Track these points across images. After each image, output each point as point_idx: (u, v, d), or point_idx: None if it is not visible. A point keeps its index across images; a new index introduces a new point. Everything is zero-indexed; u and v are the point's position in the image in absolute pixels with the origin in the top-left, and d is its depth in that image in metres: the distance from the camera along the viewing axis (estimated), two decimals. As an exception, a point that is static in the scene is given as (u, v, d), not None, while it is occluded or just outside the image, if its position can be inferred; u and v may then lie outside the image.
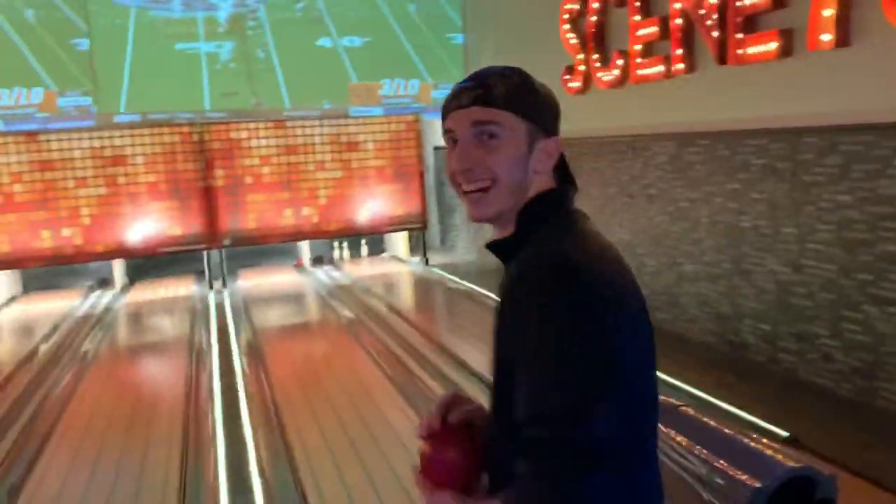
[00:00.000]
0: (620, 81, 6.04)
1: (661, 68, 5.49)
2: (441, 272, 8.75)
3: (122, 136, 8.36)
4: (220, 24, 9.38)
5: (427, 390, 4.85)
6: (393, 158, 9.26)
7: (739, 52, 4.71)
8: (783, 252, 4.57)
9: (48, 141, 8.12)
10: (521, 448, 1.07)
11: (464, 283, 8.03)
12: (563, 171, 1.28)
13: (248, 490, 3.55)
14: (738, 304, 5.00)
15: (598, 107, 6.52)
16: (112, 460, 4.09)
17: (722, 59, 4.88)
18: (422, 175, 9.41)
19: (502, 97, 1.22)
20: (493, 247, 1.26)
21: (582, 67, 6.58)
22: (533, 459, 1.05)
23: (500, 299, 1.19)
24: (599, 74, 6.29)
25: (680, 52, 5.27)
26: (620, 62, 5.97)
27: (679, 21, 5.24)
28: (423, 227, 9.55)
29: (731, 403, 4.19)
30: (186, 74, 9.29)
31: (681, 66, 5.30)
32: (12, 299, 8.86)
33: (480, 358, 5.59)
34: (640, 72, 5.75)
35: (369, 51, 9.81)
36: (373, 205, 9.18)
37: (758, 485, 1.95)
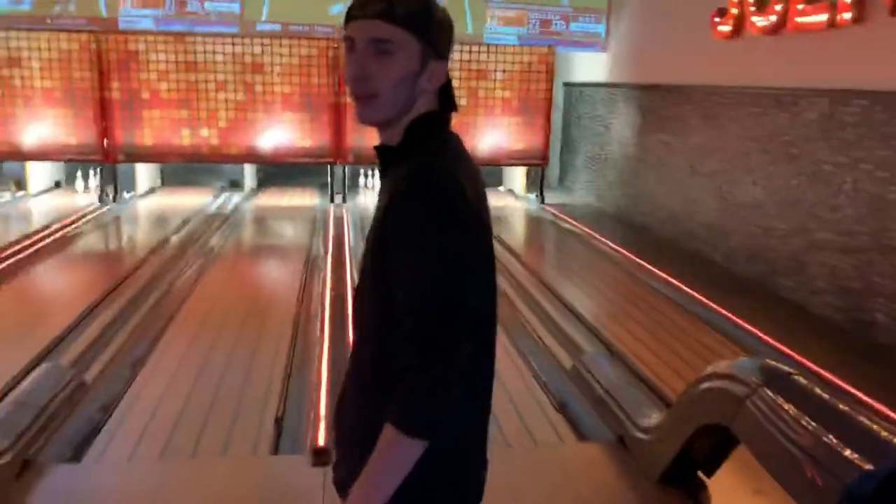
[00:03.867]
0: (776, 28, 5.60)
1: (824, 16, 5.05)
2: (555, 212, 8.63)
3: (261, 45, 8.60)
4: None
5: (532, 330, 4.84)
6: (521, 91, 9.08)
7: (919, 4, 4.26)
8: (934, 230, 4.19)
9: (194, 43, 8.47)
10: (404, 338, 1.21)
11: (578, 225, 7.89)
12: (446, 95, 1.38)
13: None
14: (871, 280, 4.65)
15: (747, 54, 6.10)
16: (225, 349, 4.35)
17: (896, 11, 4.43)
18: (549, 111, 9.20)
19: (403, 16, 1.29)
20: (379, 149, 1.37)
21: (735, 10, 6.14)
22: (417, 345, 1.19)
23: (381, 204, 1.29)
24: (754, 19, 5.86)
25: (848, 0, 4.81)
26: (779, 7, 5.52)
27: (853, -34, 4.77)
28: (544, 164, 9.39)
29: (851, 384, 3.94)
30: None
31: (848, 15, 4.84)
32: (151, 191, 9.46)
33: (587, 301, 5.51)
34: (800, 19, 5.31)
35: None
36: (494, 136, 9.08)
37: (869, 467, 1.83)
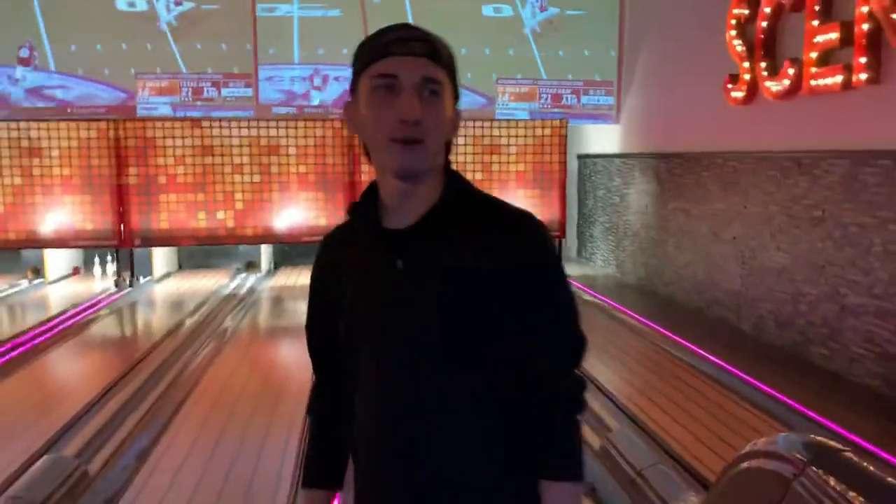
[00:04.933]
0: (791, 92, 5.55)
1: (839, 78, 4.98)
2: (576, 284, 8.46)
3: (277, 128, 8.71)
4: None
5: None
6: (535, 164, 9.07)
7: (937, 61, 4.18)
8: (974, 291, 4.00)
9: (210, 127, 8.59)
10: (549, 389, 1.23)
11: (599, 297, 7.71)
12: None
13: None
14: (912, 345, 4.43)
15: (762, 119, 6.04)
16: (236, 434, 4.18)
17: (914, 70, 4.35)
18: (564, 183, 9.16)
19: (446, 58, 1.24)
20: (440, 209, 1.26)
21: (748, 76, 6.12)
22: (566, 393, 1.24)
23: (472, 264, 1.22)
24: (767, 84, 5.82)
25: (864, 60, 4.75)
26: (792, 71, 5.49)
27: (865, 26, 4.73)
28: (561, 235, 9.29)
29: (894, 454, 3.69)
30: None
31: (864, 75, 4.78)
32: (168, 275, 9.45)
33: (612, 375, 5.30)
34: (814, 82, 5.25)
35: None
36: (512, 210, 9.01)
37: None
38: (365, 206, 1.33)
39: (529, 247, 1.25)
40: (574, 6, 9.23)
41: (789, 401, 4.45)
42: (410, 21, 1.40)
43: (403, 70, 1.19)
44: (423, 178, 1.24)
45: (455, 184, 1.29)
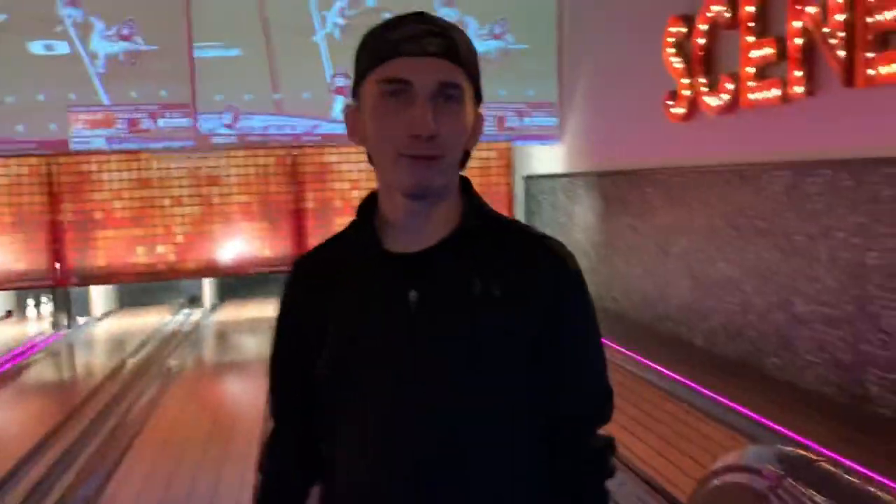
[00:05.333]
0: (730, 107, 5.66)
1: (776, 92, 5.11)
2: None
3: (217, 157, 8.51)
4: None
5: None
6: (482, 186, 9.06)
7: (870, 72, 4.30)
8: (918, 294, 4.10)
9: (147, 159, 8.34)
10: (582, 431, 1.12)
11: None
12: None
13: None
14: (861, 350, 4.51)
15: (703, 134, 6.15)
16: (187, 478, 3.97)
17: (849, 81, 4.47)
18: (511, 204, 9.18)
19: (466, 55, 1.05)
20: (465, 232, 1.10)
21: (686, 92, 6.24)
22: (595, 436, 1.14)
23: (496, 291, 1.06)
24: (706, 99, 5.94)
25: (799, 73, 4.88)
26: (730, 86, 5.61)
27: (799, 41, 4.87)
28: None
29: (855, 460, 3.72)
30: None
31: (800, 89, 4.90)
32: (108, 313, 9.09)
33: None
34: (752, 96, 5.37)
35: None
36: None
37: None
38: (364, 224, 1.13)
39: (566, 278, 1.10)
40: (516, 41, 9.26)
41: (747, 411, 4.47)
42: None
43: (417, 74, 1.00)
44: (437, 195, 1.07)
45: (476, 202, 1.13)
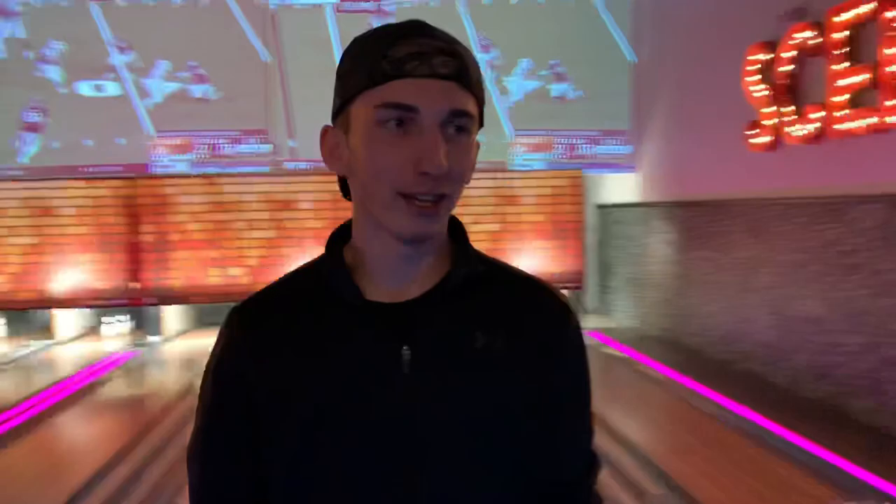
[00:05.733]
0: (816, 137, 5.43)
1: (868, 121, 4.87)
2: (598, 336, 8.25)
3: (290, 182, 8.66)
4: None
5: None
6: (552, 214, 8.95)
7: (974, 101, 4.06)
8: None
9: (223, 184, 8.55)
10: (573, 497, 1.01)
11: (622, 349, 7.49)
12: None
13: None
14: (963, 397, 4.20)
15: (788, 165, 5.91)
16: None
17: (949, 110, 4.23)
18: (582, 234, 9.03)
19: (475, 78, 0.89)
20: (456, 281, 0.96)
21: (769, 122, 6.02)
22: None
23: (478, 325, 0.94)
24: (790, 129, 5.71)
25: (892, 102, 4.64)
26: (817, 115, 5.38)
27: (893, 68, 4.63)
28: (580, 287, 9.11)
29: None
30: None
31: (893, 118, 4.66)
32: (181, 333, 9.29)
33: (642, 433, 5.07)
34: (841, 126, 5.14)
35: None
36: (527, 261, 8.87)
37: None
38: (338, 268, 0.96)
39: (567, 329, 0.99)
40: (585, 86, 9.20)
41: (834, 458, 4.20)
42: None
43: (424, 100, 0.84)
44: (432, 238, 0.94)
45: (465, 244, 0.98)
